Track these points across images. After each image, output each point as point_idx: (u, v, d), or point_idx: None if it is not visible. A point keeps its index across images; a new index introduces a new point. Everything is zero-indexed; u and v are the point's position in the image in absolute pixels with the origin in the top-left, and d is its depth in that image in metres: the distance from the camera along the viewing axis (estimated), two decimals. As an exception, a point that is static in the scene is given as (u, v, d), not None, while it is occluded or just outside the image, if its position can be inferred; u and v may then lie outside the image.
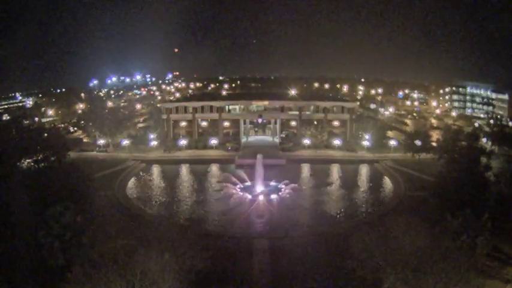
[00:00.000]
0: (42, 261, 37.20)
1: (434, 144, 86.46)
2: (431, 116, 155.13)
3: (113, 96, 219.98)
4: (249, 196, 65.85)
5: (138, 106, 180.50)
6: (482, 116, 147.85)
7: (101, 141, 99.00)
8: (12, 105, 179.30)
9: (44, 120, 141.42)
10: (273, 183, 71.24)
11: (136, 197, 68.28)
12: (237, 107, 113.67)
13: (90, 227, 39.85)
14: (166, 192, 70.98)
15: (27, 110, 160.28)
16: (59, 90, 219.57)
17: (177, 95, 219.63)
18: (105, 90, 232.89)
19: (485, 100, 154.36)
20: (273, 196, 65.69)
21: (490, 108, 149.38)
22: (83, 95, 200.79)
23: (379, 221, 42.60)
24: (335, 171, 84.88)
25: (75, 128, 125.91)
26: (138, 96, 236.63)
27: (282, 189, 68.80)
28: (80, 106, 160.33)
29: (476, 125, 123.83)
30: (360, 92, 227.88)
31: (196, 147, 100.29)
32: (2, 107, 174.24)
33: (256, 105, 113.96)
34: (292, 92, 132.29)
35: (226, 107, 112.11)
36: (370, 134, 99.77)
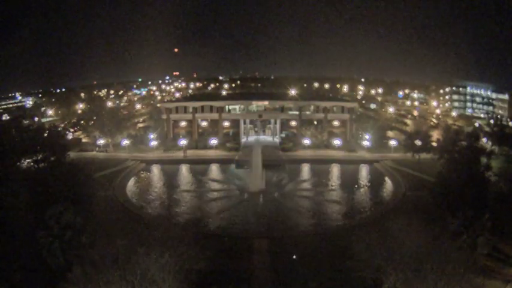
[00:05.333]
0: (42, 261, 37.20)
1: (434, 144, 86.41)
2: (431, 116, 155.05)
3: (112, 96, 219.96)
4: None
5: (138, 106, 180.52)
6: (482, 116, 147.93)
7: (101, 141, 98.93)
8: (12, 105, 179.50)
9: (44, 120, 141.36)
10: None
11: (136, 197, 68.22)
12: (237, 107, 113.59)
13: (90, 227, 39.82)
14: (165, 191, 70.91)
15: (27, 110, 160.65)
16: (59, 90, 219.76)
17: (177, 95, 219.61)
18: (105, 90, 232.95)
19: (485, 100, 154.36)
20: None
21: (490, 108, 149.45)
22: (82, 95, 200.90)
23: (380, 221, 42.55)
24: (335, 171, 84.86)
25: (75, 128, 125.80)
26: (138, 96, 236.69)
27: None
28: (80, 106, 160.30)
29: (476, 125, 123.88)
30: (360, 92, 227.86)
31: (196, 147, 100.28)
32: (2, 107, 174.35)
33: (256, 105, 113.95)
34: (292, 92, 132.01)
35: (226, 107, 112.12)
36: (370, 134, 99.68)
